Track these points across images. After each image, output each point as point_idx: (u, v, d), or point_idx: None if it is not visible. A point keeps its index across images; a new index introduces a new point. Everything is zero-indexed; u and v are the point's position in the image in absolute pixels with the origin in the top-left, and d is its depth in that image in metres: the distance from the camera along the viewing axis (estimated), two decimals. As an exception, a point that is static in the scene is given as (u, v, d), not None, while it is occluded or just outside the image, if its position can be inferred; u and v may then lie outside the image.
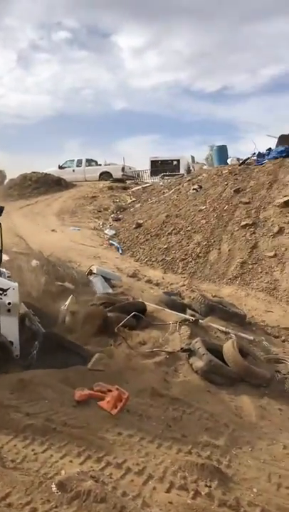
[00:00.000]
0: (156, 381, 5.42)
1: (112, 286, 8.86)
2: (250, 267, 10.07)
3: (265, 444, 4.41)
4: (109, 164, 29.27)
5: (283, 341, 7.45)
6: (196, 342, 5.92)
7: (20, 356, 5.48)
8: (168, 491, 3.28)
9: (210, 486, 3.41)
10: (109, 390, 5.03)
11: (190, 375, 5.69)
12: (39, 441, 3.77)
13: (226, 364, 5.74)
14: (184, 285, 9.71)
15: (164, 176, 27.56)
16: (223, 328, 6.74)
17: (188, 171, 28.61)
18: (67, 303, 6.94)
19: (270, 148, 17.61)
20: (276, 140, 20.02)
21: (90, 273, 9.19)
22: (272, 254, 10.13)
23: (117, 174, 26.85)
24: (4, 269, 5.99)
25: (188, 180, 17.94)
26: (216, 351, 5.92)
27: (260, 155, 17.43)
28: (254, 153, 17.92)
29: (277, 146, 17.48)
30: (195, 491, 3.30)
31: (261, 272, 9.78)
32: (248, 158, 17.80)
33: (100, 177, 27.03)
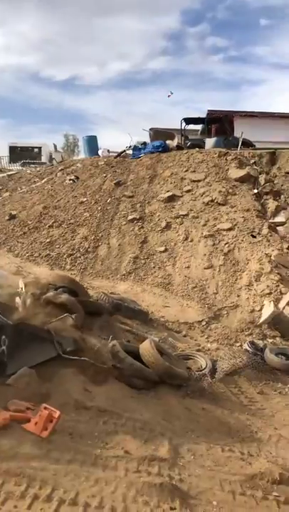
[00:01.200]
0: (77, 392, 4.96)
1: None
2: (143, 262, 10.05)
3: (204, 448, 4.32)
4: None
5: (185, 336, 7.55)
6: (114, 345, 5.59)
7: None
8: (137, 523, 2.94)
9: (174, 508, 3.17)
10: (28, 408, 4.46)
11: (110, 382, 5.35)
12: None
13: (145, 366, 5.54)
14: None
15: (25, 163, 26.30)
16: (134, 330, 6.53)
17: (51, 159, 27.83)
18: (21, 286, 6.27)
19: (145, 143, 17.90)
20: (148, 134, 20.50)
21: None
22: (162, 249, 10.25)
23: (-29, 159, 24.74)
24: None
25: (62, 169, 17.29)
26: (132, 353, 5.68)
27: (136, 148, 17.58)
28: (130, 146, 18.02)
29: (152, 140, 17.83)
30: (165, 518, 3.02)
31: (154, 267, 9.82)
32: (124, 150, 17.84)
33: None
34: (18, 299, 6.40)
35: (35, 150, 30.66)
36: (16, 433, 3.96)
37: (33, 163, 25.61)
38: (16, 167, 25.12)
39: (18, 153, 29.26)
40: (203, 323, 8.08)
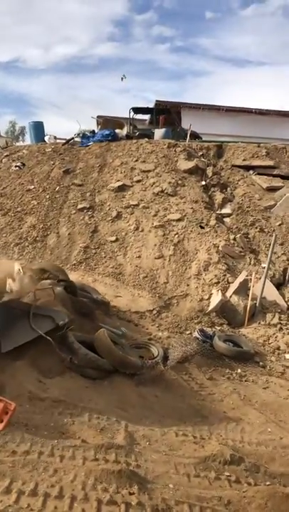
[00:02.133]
0: (30, 383, 4.92)
1: None
2: (94, 251, 10.01)
3: (159, 434, 4.44)
4: None
5: (136, 325, 7.63)
6: (68, 336, 5.58)
7: None
8: (98, 509, 3.00)
9: (133, 493, 3.25)
10: (-19, 401, 4.38)
11: (64, 372, 5.34)
12: None
13: (99, 356, 5.57)
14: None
15: None
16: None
17: (-6, 145, 26.89)
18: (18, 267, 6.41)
19: (94, 131, 17.71)
20: (96, 122, 20.26)
21: None
22: (113, 238, 10.25)
23: None
24: None
25: (7, 155, 16.75)
26: (85, 343, 5.70)
27: (85, 136, 17.35)
28: (78, 134, 17.75)
29: (101, 128, 17.67)
30: (125, 503, 3.10)
31: (105, 257, 9.81)
32: (72, 138, 17.54)
33: None
34: (10, 281, 6.34)
35: (-24, 136, 29.37)
36: None
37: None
38: None
39: None
40: (154, 312, 8.21)
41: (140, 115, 22.13)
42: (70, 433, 4.12)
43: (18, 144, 27.95)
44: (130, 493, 3.24)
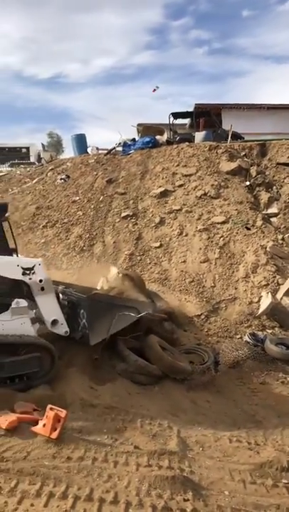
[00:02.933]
0: (83, 390, 5.00)
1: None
2: (139, 258, 10.06)
3: (212, 440, 4.38)
4: None
5: (185, 331, 7.59)
6: (118, 343, 5.63)
7: (70, 331, 5.27)
8: (153, 516, 2.99)
9: (188, 499, 3.22)
10: (35, 409, 4.49)
11: (115, 378, 5.40)
12: (-18, 487, 3.12)
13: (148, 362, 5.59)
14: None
15: (13, 164, 26.11)
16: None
17: (39, 159, 27.67)
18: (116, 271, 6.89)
19: (135, 139, 17.87)
20: (137, 130, 20.44)
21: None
22: (158, 244, 10.25)
23: None
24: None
25: (52, 169, 17.19)
26: (135, 350, 5.73)
27: (126, 145, 17.53)
28: (119, 143, 17.96)
29: (141, 136, 17.80)
30: (180, 510, 3.08)
31: (150, 263, 9.84)
32: (114, 148, 17.77)
33: None
34: (104, 279, 6.83)
35: (24, 150, 30.37)
36: (25, 434, 4.01)
37: (22, 164, 25.41)
38: (5, 168, 24.92)
39: (5, 154, 28.99)
40: (203, 316, 8.12)
41: (180, 120, 22.10)
42: (123, 439, 4.15)
43: (60, 156, 28.69)
44: (185, 500, 3.21)
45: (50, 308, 5.22)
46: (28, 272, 5.08)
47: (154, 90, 24.32)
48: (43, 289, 5.15)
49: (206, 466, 3.84)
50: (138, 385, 5.41)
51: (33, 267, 5.12)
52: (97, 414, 4.59)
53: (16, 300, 5.03)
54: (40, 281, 5.12)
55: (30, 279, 5.08)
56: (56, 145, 40.17)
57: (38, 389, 4.82)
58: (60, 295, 5.49)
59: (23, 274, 5.08)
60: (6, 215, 5.58)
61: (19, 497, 3.06)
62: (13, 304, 5.01)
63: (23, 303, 5.07)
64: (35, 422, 4.13)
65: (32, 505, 3.00)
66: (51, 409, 4.04)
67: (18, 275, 5.07)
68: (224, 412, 5.18)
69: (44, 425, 3.99)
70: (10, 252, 5.39)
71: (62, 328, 5.26)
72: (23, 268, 5.08)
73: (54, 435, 3.91)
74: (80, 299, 5.33)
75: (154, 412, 4.77)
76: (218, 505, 3.19)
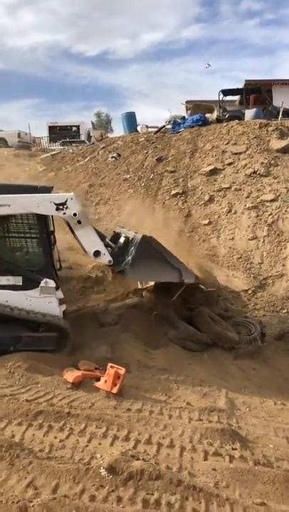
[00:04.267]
0: (138, 353, 5.46)
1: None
2: (188, 235, 10.35)
3: (258, 402, 4.73)
4: (1, 130, 27.22)
5: (232, 304, 7.87)
6: (168, 312, 6.01)
7: (115, 263, 5.40)
8: (205, 459, 3.39)
9: (236, 449, 3.59)
10: (96, 368, 4.98)
11: (168, 344, 5.81)
12: (57, 427, 3.63)
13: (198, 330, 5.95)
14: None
15: (64, 142, 26.62)
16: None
17: (89, 137, 28.02)
18: None
19: (184, 117, 17.90)
20: (184, 108, 20.39)
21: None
22: (206, 222, 10.49)
23: (13, 141, 25.10)
24: None
25: (103, 147, 17.55)
26: (185, 318, 6.10)
27: (176, 123, 17.61)
28: (169, 121, 18.06)
29: (191, 114, 17.81)
30: (229, 456, 3.45)
31: (199, 240, 10.11)
32: (164, 126, 17.87)
33: (-7, 144, 25.06)
34: None
35: (74, 129, 30.81)
36: (89, 388, 4.51)
37: (73, 142, 25.90)
38: (56, 146, 25.53)
39: (57, 133, 29.55)
40: (250, 291, 8.36)
41: (230, 96, 21.82)
42: (176, 396, 4.58)
43: (109, 134, 29.01)
44: (233, 449, 3.59)
45: (90, 240, 5.36)
46: (61, 207, 5.16)
47: (206, 67, 24.00)
48: (79, 222, 5.26)
49: (252, 424, 4.20)
50: (188, 351, 5.80)
51: (66, 201, 5.16)
52: (151, 374, 5.04)
53: (44, 279, 5.19)
54: (75, 214, 5.20)
55: (64, 213, 5.18)
56: (105, 124, 40.46)
57: (99, 351, 5.29)
58: (121, 231, 5.87)
59: (57, 209, 5.16)
60: None
61: (88, 437, 3.53)
62: (42, 283, 5.18)
63: (52, 283, 5.23)
64: (97, 379, 4.63)
65: (100, 443, 3.47)
66: (111, 367, 4.51)
67: (52, 211, 5.18)
68: (269, 379, 5.50)
69: (105, 381, 4.47)
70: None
71: (106, 258, 5.38)
72: (56, 204, 5.15)
73: (114, 390, 4.37)
74: (136, 237, 5.55)
75: (204, 376, 5.16)
76: (263, 455, 3.55)
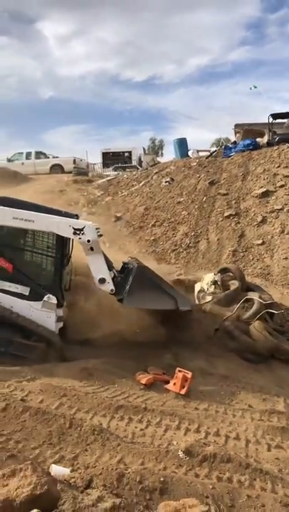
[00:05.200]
0: (201, 361, 5.96)
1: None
2: (242, 254, 10.80)
3: (314, 408, 5.08)
4: (57, 157, 28.69)
5: (287, 321, 8.21)
6: (228, 325, 6.49)
7: (116, 292, 5.66)
8: (268, 450, 3.84)
9: (296, 444, 4.01)
10: (164, 373, 5.53)
11: (227, 354, 6.28)
12: (136, 419, 4.18)
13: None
14: (181, 274, 10.27)
15: (117, 167, 27.65)
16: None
17: (140, 163, 28.92)
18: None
19: (235, 142, 18.46)
20: (233, 132, 20.92)
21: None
22: (260, 242, 10.90)
23: (69, 167, 26.39)
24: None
25: (156, 172, 18.36)
26: (244, 331, 6.54)
27: (226, 148, 18.19)
28: (221, 146, 18.66)
29: (242, 139, 18.34)
30: (290, 448, 3.88)
31: (253, 259, 10.53)
32: (215, 151, 18.50)
33: (50, 170, 26.50)
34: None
35: (126, 154, 31.87)
36: (159, 390, 5.06)
37: (125, 167, 26.91)
38: (109, 172, 26.68)
39: (110, 159, 30.71)
40: (304, 309, 8.68)
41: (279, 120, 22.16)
42: (238, 400, 5.03)
43: (159, 159, 29.92)
44: (294, 443, 4.01)
45: (98, 267, 5.67)
46: (78, 232, 5.53)
47: (251, 89, 24.37)
48: (92, 249, 5.58)
49: (310, 426, 4.58)
50: (247, 361, 6.24)
51: (83, 228, 5.53)
52: (214, 380, 5.52)
53: (48, 295, 5.66)
54: (88, 241, 5.53)
55: (80, 238, 5.54)
56: (157, 149, 41.56)
57: (165, 358, 5.85)
58: (128, 262, 6.13)
59: (74, 233, 5.54)
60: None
61: (164, 428, 4.07)
62: (45, 298, 5.66)
63: (54, 300, 5.66)
64: (166, 382, 5.18)
65: (174, 433, 3.99)
66: (180, 371, 5.06)
67: (69, 234, 5.61)
68: None
69: (174, 384, 5.01)
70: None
71: (109, 286, 5.66)
72: (74, 228, 5.53)
73: (183, 391, 4.90)
74: (134, 267, 5.85)
75: (263, 383, 5.58)
76: None
